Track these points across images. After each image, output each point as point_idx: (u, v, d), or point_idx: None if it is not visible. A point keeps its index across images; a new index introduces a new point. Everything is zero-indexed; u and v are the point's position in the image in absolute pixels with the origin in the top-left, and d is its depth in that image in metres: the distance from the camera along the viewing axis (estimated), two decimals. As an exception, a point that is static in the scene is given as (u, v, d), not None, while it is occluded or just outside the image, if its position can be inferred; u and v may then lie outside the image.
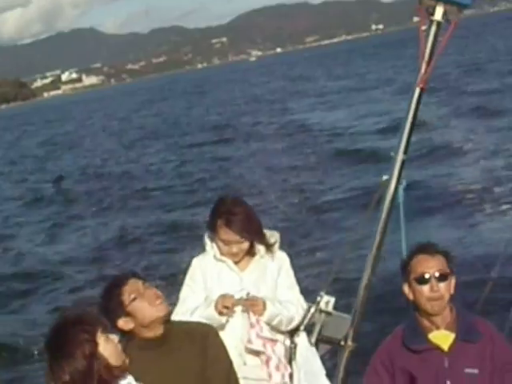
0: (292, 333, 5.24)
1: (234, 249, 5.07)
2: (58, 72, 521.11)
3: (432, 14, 4.85)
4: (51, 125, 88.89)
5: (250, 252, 5.14)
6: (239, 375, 4.56)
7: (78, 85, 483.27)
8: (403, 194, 5.14)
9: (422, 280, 4.24)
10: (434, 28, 4.89)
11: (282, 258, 5.24)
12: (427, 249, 4.31)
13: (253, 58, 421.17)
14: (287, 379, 4.98)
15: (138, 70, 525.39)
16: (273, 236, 5.24)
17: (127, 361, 3.58)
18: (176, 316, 4.81)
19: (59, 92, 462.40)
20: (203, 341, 4.35)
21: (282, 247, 5.28)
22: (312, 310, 5.26)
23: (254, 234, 5.09)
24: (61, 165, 41.17)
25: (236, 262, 5.13)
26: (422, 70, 4.95)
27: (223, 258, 5.12)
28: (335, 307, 5.37)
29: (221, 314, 4.96)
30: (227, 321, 5.01)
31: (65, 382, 3.41)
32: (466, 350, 4.22)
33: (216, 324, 4.83)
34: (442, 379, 4.19)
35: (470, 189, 17.56)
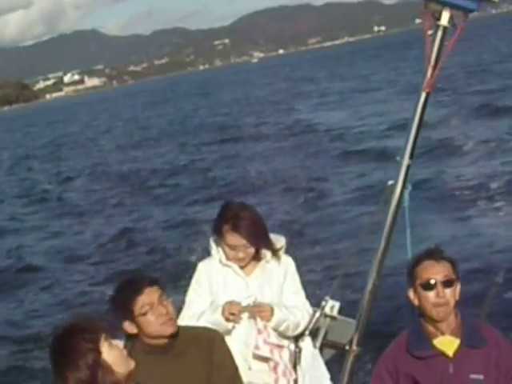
0: (297, 337, 5.23)
1: (241, 254, 5.06)
2: (60, 74, 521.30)
3: (438, 18, 4.84)
4: (56, 126, 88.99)
5: (256, 257, 5.14)
6: (244, 380, 4.56)
7: (80, 86, 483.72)
8: (409, 198, 5.13)
9: (427, 286, 4.22)
10: (440, 33, 4.88)
11: (287, 263, 5.24)
12: (433, 254, 4.29)
13: (255, 60, 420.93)
14: (292, 385, 4.98)
15: (140, 72, 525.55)
16: (279, 241, 5.24)
17: (133, 364, 3.56)
18: (182, 321, 4.81)
19: (61, 94, 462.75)
20: (209, 346, 4.35)
21: (287, 251, 5.28)
22: (317, 314, 5.25)
23: (260, 239, 5.08)
24: (69, 165, 41.37)
25: (242, 267, 5.12)
26: (428, 75, 4.94)
27: (229, 262, 5.12)
28: (340, 312, 5.37)
29: (227, 320, 4.96)
30: (233, 327, 5.01)
31: None
32: (470, 356, 4.20)
33: (222, 330, 4.83)
34: (447, 385, 4.19)
35: (470, 186, 17.58)
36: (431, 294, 4.20)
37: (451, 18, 4.84)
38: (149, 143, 43.96)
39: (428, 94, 5.01)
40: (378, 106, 39.41)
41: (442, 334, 4.25)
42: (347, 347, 5.39)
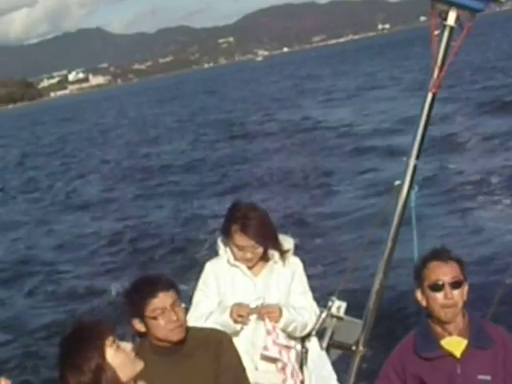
0: (303, 338, 5.24)
1: (249, 254, 5.05)
2: (64, 72, 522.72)
3: (445, 18, 4.81)
4: (64, 124, 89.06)
5: (264, 257, 5.13)
6: (251, 380, 4.58)
7: (84, 85, 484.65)
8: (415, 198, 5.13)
9: (435, 287, 4.21)
10: (446, 33, 4.86)
11: (295, 264, 5.23)
12: (441, 255, 4.28)
13: (259, 58, 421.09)
14: (299, 385, 4.98)
15: (144, 70, 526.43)
16: (287, 242, 5.24)
17: (141, 366, 3.54)
18: (189, 321, 4.80)
19: (66, 92, 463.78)
20: (217, 348, 4.36)
21: (295, 252, 5.28)
22: (323, 314, 5.24)
23: (268, 239, 5.08)
24: (78, 161, 41.63)
25: (250, 268, 5.12)
26: (435, 75, 4.92)
27: (237, 263, 5.11)
28: (347, 312, 5.36)
29: (235, 322, 4.96)
30: (242, 328, 5.01)
31: None
32: (478, 357, 4.19)
33: (230, 331, 4.83)
34: (454, 386, 4.18)
35: (476, 183, 17.54)
36: (439, 296, 4.19)
37: (458, 18, 4.81)
38: (157, 141, 44.11)
39: (434, 95, 4.99)
40: (383, 104, 39.40)
41: (450, 334, 4.24)
42: (354, 348, 5.37)
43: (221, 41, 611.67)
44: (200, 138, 41.11)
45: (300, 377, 4.99)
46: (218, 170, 27.70)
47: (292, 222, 16.21)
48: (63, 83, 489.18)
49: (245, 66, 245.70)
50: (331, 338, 5.30)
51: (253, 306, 4.98)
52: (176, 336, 4.24)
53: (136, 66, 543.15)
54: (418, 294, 4.33)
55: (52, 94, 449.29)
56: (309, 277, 5.30)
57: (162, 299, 4.19)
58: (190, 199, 23.00)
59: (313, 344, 5.20)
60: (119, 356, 3.43)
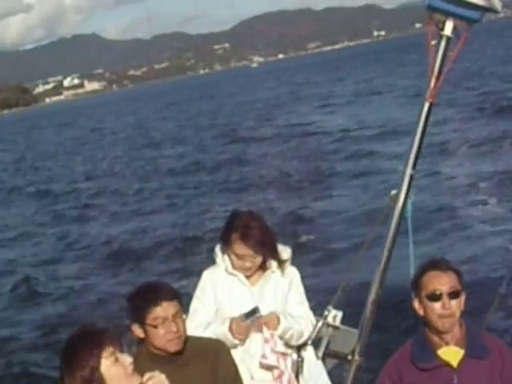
0: (299, 347, 5.22)
1: (248, 263, 5.04)
2: (59, 77, 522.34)
3: (442, 28, 4.82)
4: (63, 129, 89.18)
5: (262, 266, 5.12)
6: (246, 390, 4.56)
7: (79, 90, 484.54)
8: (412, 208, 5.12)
9: (433, 297, 4.20)
10: (443, 43, 4.86)
11: (292, 273, 5.22)
12: (439, 265, 4.27)
13: (255, 64, 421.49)
14: (294, 394, 4.97)
15: (139, 76, 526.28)
16: (285, 251, 5.22)
17: (137, 381, 3.51)
18: (187, 330, 4.79)
19: (61, 97, 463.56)
20: (215, 358, 4.35)
21: (292, 261, 5.27)
22: (319, 324, 5.22)
23: (268, 249, 5.06)
24: (87, 165, 41.78)
25: (247, 276, 5.11)
26: (432, 85, 4.92)
27: (234, 271, 5.10)
28: (343, 321, 5.35)
29: (234, 337, 4.95)
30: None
31: None
32: (475, 367, 4.18)
33: (229, 343, 4.82)
34: (451, 396, 4.17)
35: (471, 190, 17.57)
36: (437, 306, 4.19)
37: (455, 28, 4.82)
38: (159, 145, 44.47)
39: (431, 104, 5.00)
40: (378, 110, 39.64)
41: (447, 344, 4.23)
42: (350, 357, 5.36)
43: (216, 47, 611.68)
44: (199, 142, 41.38)
45: None
46: (218, 173, 28.03)
47: (288, 226, 16.31)
48: (58, 89, 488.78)
49: (240, 73, 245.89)
50: (327, 347, 5.29)
51: (249, 309, 4.95)
52: (174, 347, 4.22)
53: (131, 72, 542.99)
54: (416, 304, 4.32)
55: (47, 100, 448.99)
56: (305, 286, 5.29)
57: (164, 308, 4.17)
58: (190, 202, 23.24)
59: (309, 353, 5.19)
60: (115, 369, 3.42)
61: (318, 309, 5.37)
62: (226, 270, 5.13)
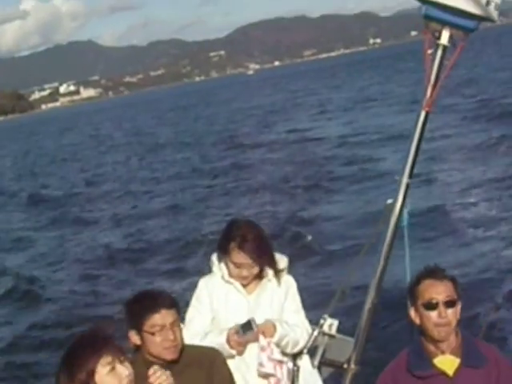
0: (295, 356, 5.20)
1: (245, 272, 5.02)
2: (55, 84, 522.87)
3: (438, 37, 4.83)
4: (61, 135, 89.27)
5: (259, 275, 5.11)
6: (242, 398, 4.55)
7: (75, 97, 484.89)
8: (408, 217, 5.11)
9: (429, 306, 4.18)
10: (439, 52, 4.87)
11: (289, 282, 5.21)
12: (435, 273, 4.26)
13: (250, 72, 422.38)
14: (290, 402, 4.96)
15: (135, 83, 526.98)
16: (282, 260, 5.22)
17: None
18: (184, 339, 4.78)
19: (57, 104, 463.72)
20: (210, 367, 4.35)
21: (288, 271, 5.27)
22: (315, 332, 5.22)
23: (265, 258, 5.05)
24: (86, 170, 41.99)
25: (244, 285, 5.09)
26: (428, 94, 4.92)
27: (231, 279, 5.08)
28: (338, 330, 5.34)
29: (232, 349, 4.94)
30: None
31: None
32: (471, 376, 4.17)
33: (226, 353, 4.81)
34: (447, 405, 4.16)
35: (468, 202, 17.56)
36: (433, 314, 4.17)
37: (451, 38, 4.83)
38: (156, 151, 44.52)
39: (428, 113, 5.00)
40: (375, 117, 39.75)
41: (443, 353, 4.21)
42: (345, 366, 5.35)
43: (212, 54, 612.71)
44: (198, 148, 41.52)
45: None
46: (216, 179, 28.27)
47: (286, 232, 16.40)
48: (54, 95, 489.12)
49: (236, 80, 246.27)
50: (323, 355, 5.29)
51: (245, 319, 4.94)
52: (170, 355, 4.21)
53: (127, 79, 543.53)
54: (412, 312, 4.30)
55: (43, 106, 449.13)
56: (302, 290, 5.29)
57: (163, 316, 4.17)
58: (189, 206, 23.34)
59: (304, 362, 5.17)
60: (110, 378, 3.40)
61: (313, 317, 5.36)
62: (223, 278, 5.11)
